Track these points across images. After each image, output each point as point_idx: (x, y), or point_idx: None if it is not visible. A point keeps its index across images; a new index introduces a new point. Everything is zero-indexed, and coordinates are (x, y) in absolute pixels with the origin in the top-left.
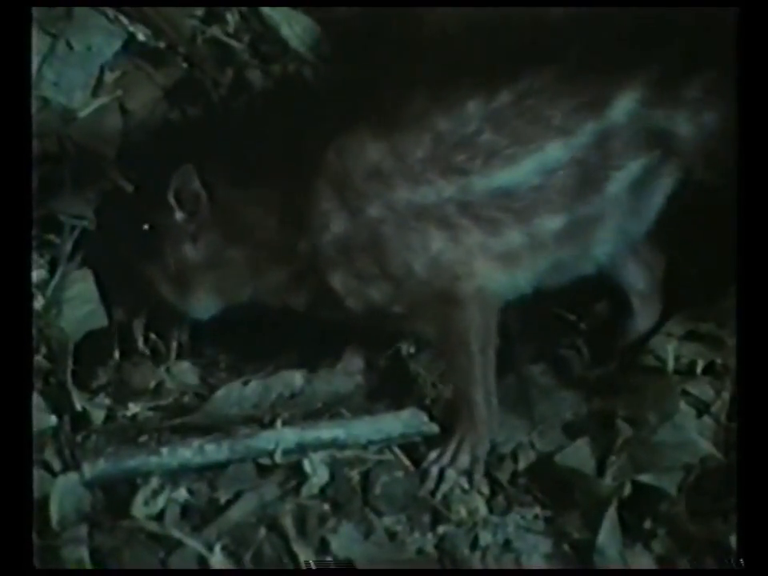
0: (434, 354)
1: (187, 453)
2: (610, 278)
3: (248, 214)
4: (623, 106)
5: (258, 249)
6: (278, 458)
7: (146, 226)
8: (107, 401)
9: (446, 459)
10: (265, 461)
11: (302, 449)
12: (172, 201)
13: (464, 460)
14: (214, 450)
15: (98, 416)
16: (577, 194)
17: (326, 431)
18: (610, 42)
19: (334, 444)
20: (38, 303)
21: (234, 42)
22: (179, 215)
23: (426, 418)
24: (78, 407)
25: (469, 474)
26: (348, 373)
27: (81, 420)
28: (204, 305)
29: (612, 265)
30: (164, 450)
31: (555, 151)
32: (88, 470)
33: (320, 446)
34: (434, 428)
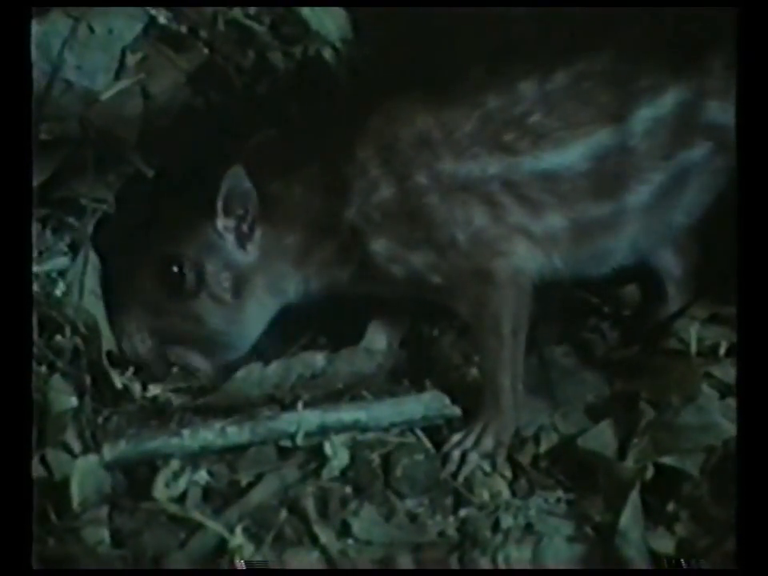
0: (465, 335)
1: (209, 435)
2: (645, 264)
3: (293, 197)
4: (676, 96)
5: (306, 229)
6: (299, 440)
7: (175, 268)
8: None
9: (469, 442)
10: (286, 443)
11: (324, 431)
12: (220, 208)
13: (487, 444)
14: (235, 432)
15: (135, 392)
16: (623, 182)
17: (348, 414)
18: (665, 32)
19: (356, 426)
20: (59, 289)
21: (254, 24)
22: (224, 223)
23: (448, 401)
24: (119, 385)
25: (491, 457)
26: (370, 351)
27: (115, 398)
28: (259, 314)
29: (650, 252)
30: (185, 432)
31: (605, 137)
32: (108, 451)
33: (341, 428)
34: (456, 411)
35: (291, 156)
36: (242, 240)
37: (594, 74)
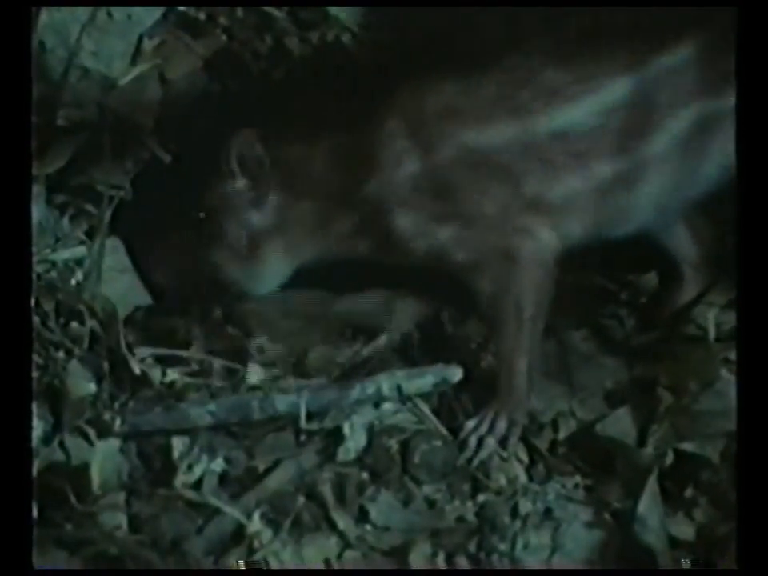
0: (482, 317)
1: (213, 406)
2: (662, 248)
3: (313, 167)
4: (686, 48)
5: (325, 200)
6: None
7: (201, 214)
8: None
9: (484, 428)
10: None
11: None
12: (235, 167)
13: (501, 426)
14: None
15: (155, 377)
16: (635, 135)
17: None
18: None
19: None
20: (76, 278)
21: (272, 10)
22: (241, 182)
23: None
24: (137, 371)
25: (505, 438)
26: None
27: (133, 384)
28: (275, 272)
29: (666, 235)
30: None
31: (616, 88)
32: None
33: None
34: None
35: (313, 125)
36: (258, 202)
37: (601, 26)
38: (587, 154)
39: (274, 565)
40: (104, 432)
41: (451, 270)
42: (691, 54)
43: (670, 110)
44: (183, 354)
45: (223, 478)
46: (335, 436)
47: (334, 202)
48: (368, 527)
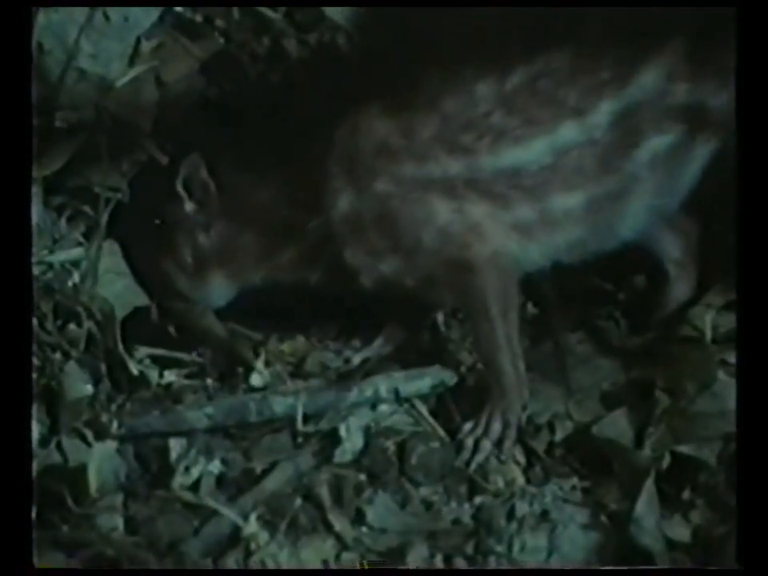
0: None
1: (210, 409)
2: (644, 247)
3: (258, 198)
4: (643, 83)
5: (270, 231)
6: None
7: (157, 221)
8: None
9: (480, 429)
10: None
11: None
12: (181, 191)
13: (496, 427)
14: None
15: (152, 377)
16: (593, 172)
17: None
18: (629, 20)
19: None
20: (72, 280)
21: (269, 12)
22: (189, 205)
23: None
24: (135, 371)
25: (500, 440)
26: (386, 343)
27: (130, 385)
28: (220, 292)
29: (646, 234)
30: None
31: (568, 131)
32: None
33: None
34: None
35: (259, 158)
36: (206, 224)
37: (551, 71)
38: (538, 189)
39: (271, 566)
40: (101, 434)
41: (405, 294)
42: (644, 92)
43: (620, 150)
44: (182, 355)
45: (220, 480)
46: (332, 438)
47: (278, 235)
48: (365, 529)
